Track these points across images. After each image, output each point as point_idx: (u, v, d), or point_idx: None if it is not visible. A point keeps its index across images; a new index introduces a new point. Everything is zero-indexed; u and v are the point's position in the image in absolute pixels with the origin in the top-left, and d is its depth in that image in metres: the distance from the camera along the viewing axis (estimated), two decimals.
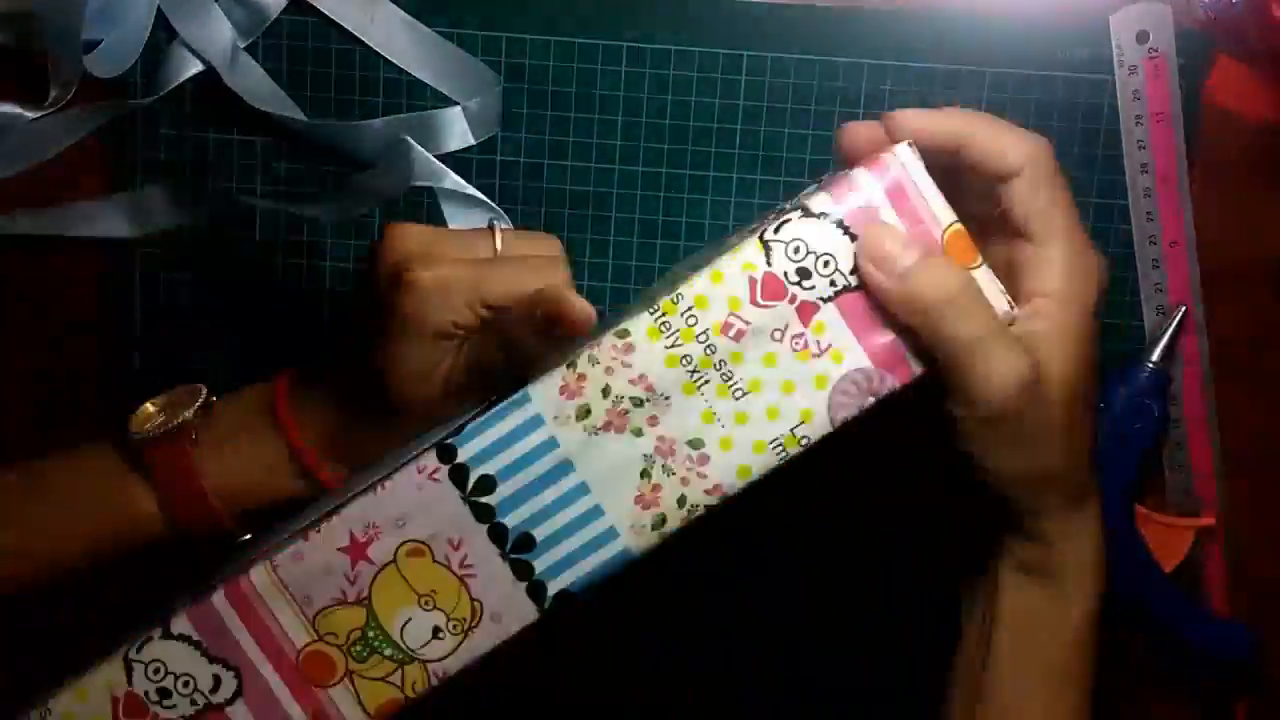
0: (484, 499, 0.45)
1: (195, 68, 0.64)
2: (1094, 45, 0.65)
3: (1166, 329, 0.65)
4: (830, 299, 0.44)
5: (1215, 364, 0.66)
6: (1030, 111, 0.65)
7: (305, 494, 0.54)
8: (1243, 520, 0.67)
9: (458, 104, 0.65)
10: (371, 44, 0.64)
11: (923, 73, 0.65)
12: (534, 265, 0.51)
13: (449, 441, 0.45)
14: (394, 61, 0.64)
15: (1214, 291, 0.66)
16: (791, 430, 0.45)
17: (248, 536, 0.55)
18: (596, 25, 0.65)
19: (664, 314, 0.44)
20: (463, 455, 0.44)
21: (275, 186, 0.65)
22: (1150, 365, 0.65)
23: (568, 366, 0.44)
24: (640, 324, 0.44)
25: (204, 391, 0.54)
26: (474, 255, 0.51)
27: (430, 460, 0.44)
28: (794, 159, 0.66)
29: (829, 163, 0.65)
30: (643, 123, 0.65)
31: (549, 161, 0.66)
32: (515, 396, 0.44)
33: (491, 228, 0.52)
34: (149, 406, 0.54)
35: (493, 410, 0.45)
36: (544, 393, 0.44)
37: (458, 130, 0.65)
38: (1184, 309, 0.66)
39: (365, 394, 0.52)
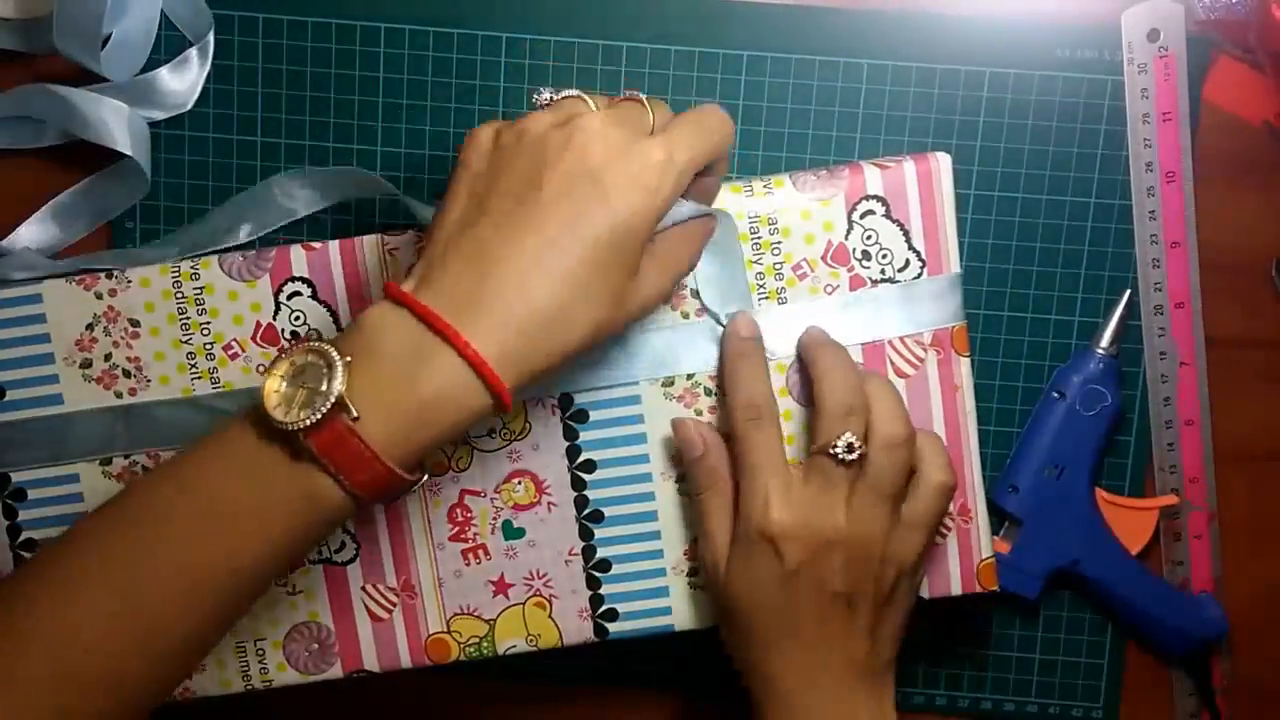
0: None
1: None
2: (1096, 45, 0.65)
3: (1112, 315, 0.66)
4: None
5: (1214, 365, 0.66)
6: (1030, 111, 0.65)
7: (490, 413, 0.49)
8: (1240, 522, 0.67)
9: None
10: None
11: (923, 73, 0.65)
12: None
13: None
14: None
15: (1213, 292, 0.66)
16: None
17: (425, 478, 0.51)
18: (596, 25, 0.65)
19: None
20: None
21: None
22: (1099, 352, 0.65)
23: None
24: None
25: (335, 356, 0.47)
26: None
27: None
28: (794, 159, 0.66)
29: (829, 163, 0.65)
30: None
31: None
32: None
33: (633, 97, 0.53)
34: (277, 382, 0.48)
35: None
36: None
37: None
38: (1128, 292, 0.66)
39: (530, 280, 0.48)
